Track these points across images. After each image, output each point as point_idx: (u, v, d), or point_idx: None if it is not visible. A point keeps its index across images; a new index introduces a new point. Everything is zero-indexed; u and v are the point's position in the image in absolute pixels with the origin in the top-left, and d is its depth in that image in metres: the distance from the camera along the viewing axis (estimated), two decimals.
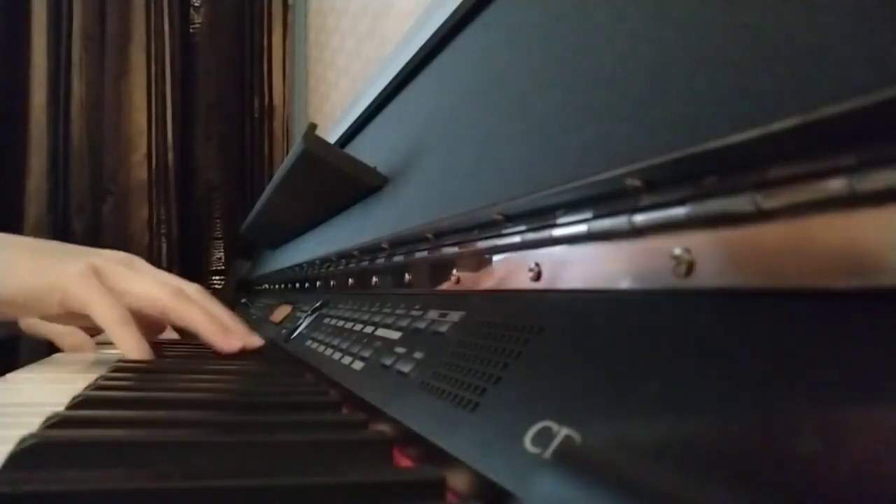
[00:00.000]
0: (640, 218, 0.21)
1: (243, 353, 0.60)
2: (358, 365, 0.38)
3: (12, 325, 0.67)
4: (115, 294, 0.56)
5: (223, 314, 0.63)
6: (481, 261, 0.33)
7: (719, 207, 0.18)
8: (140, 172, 1.62)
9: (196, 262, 1.69)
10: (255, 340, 0.62)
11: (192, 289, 0.62)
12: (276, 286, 1.08)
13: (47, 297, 0.55)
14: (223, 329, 0.60)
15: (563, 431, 0.19)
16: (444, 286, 0.37)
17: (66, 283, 0.54)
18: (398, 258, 0.45)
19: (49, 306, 0.55)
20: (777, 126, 0.16)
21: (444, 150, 0.47)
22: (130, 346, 0.55)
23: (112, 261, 0.59)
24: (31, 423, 0.29)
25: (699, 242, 0.19)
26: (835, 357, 0.14)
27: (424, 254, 0.40)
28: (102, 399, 0.37)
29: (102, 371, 0.49)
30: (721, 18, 0.22)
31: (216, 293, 1.62)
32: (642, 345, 0.19)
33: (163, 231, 1.63)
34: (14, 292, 0.55)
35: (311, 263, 0.76)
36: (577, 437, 0.18)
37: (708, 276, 0.18)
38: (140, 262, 0.63)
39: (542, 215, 0.27)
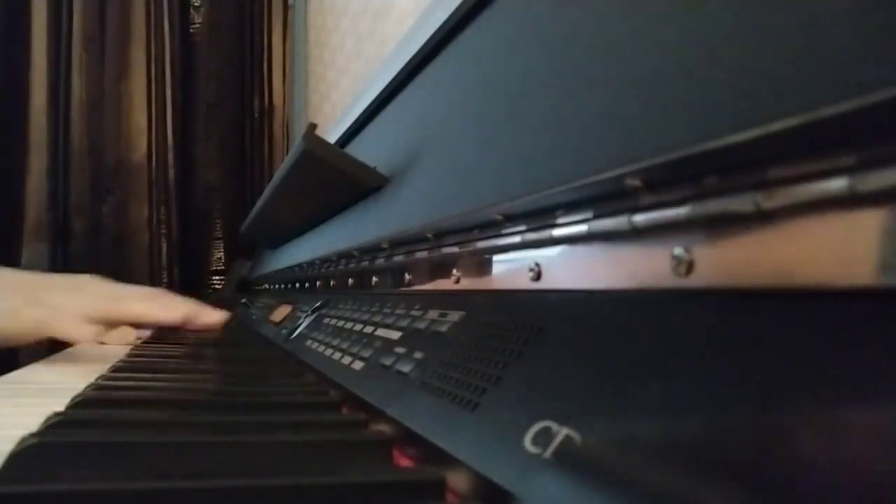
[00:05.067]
0: (640, 218, 0.21)
1: (203, 329, 0.69)
2: (358, 365, 0.38)
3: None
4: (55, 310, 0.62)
5: (170, 298, 0.71)
6: (481, 261, 0.33)
7: (719, 207, 0.18)
8: (140, 172, 1.62)
9: (196, 262, 1.69)
10: (214, 316, 0.71)
11: (137, 291, 0.70)
12: (276, 286, 1.08)
13: (2, 334, 0.61)
14: (165, 307, 0.68)
15: (563, 431, 0.19)
16: (444, 286, 0.37)
17: (16, 320, 0.61)
18: (398, 258, 0.45)
19: (5, 341, 0.61)
20: (777, 126, 0.16)
21: (444, 150, 0.47)
22: (77, 332, 0.61)
23: (56, 288, 0.66)
24: (31, 424, 0.29)
25: (699, 242, 0.19)
26: (835, 357, 0.14)
27: (424, 254, 0.40)
28: (102, 399, 0.37)
29: (103, 370, 0.49)
30: (721, 18, 0.22)
31: (216, 293, 1.62)
32: (642, 345, 0.19)
33: (163, 231, 1.63)
34: None
35: (311, 263, 0.76)
36: (577, 437, 0.18)
37: (708, 276, 0.18)
38: (89, 283, 0.68)
39: (542, 215, 0.27)
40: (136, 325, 0.70)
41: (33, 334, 0.62)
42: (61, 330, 0.60)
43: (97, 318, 0.64)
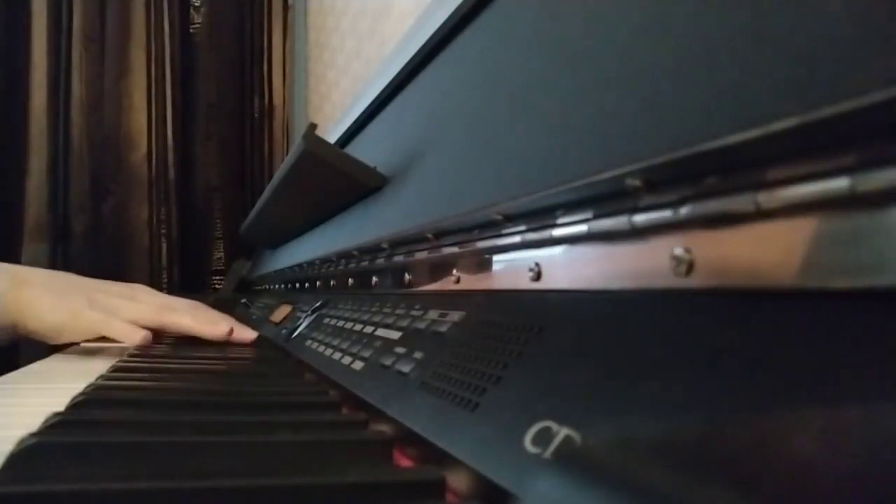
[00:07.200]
0: (640, 218, 0.21)
1: (237, 343, 0.72)
2: (358, 365, 0.38)
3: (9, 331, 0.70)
4: (112, 314, 0.69)
5: (212, 313, 0.75)
6: (481, 261, 0.33)
7: (719, 207, 0.18)
8: (140, 172, 1.62)
9: (196, 262, 1.69)
10: (248, 333, 0.74)
11: (183, 303, 0.75)
12: (276, 286, 1.08)
13: (63, 330, 0.67)
14: (210, 321, 0.73)
15: (563, 431, 0.19)
16: (444, 286, 0.37)
17: (77, 319, 0.67)
18: (398, 258, 0.45)
19: (65, 337, 0.68)
20: (777, 126, 0.16)
21: (444, 150, 0.47)
22: (129, 334, 0.67)
23: (112, 293, 0.72)
24: (31, 424, 0.29)
25: (699, 242, 0.19)
26: (834, 357, 0.14)
27: (424, 254, 0.40)
28: (102, 399, 0.37)
29: (102, 371, 0.49)
30: (721, 18, 0.22)
31: (216, 293, 1.62)
32: (642, 345, 0.19)
33: (163, 231, 1.63)
34: (36, 327, 0.67)
35: (311, 263, 0.76)
36: (577, 437, 0.18)
37: (708, 276, 0.18)
38: (141, 292, 0.75)
39: (542, 215, 0.27)
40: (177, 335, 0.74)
41: (88, 334, 0.68)
42: (115, 331, 0.67)
43: (149, 325, 0.69)
